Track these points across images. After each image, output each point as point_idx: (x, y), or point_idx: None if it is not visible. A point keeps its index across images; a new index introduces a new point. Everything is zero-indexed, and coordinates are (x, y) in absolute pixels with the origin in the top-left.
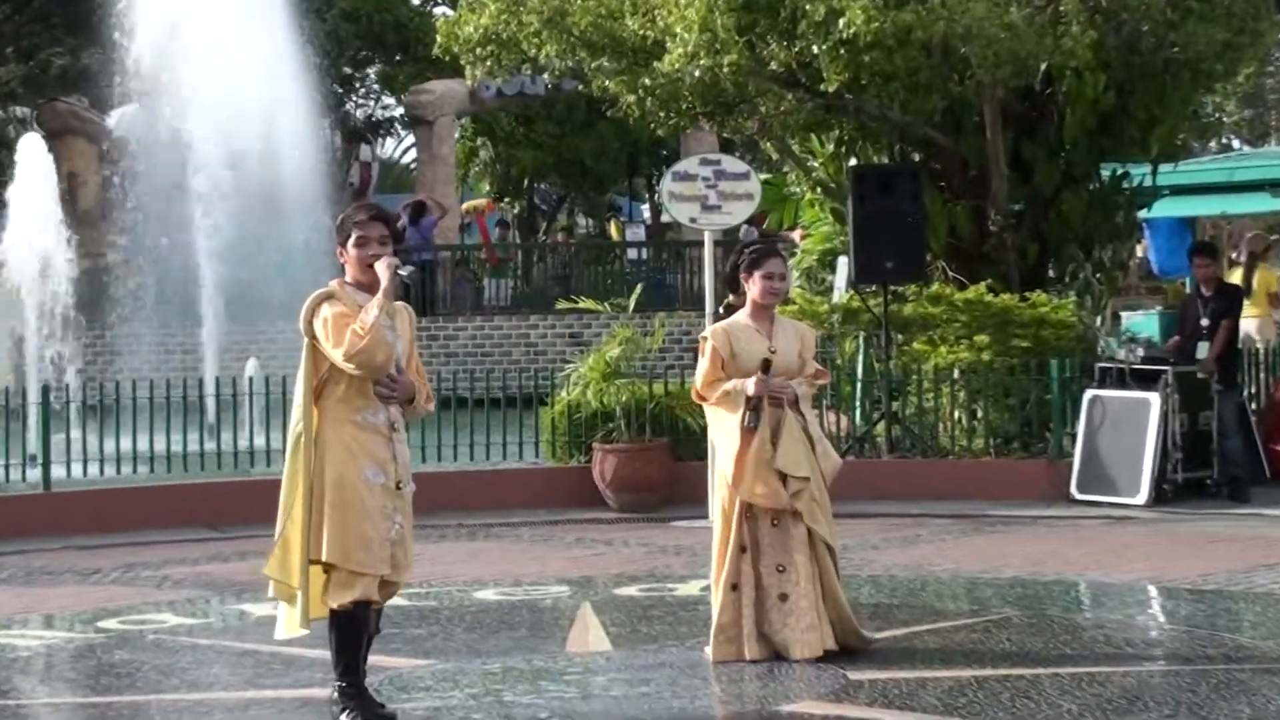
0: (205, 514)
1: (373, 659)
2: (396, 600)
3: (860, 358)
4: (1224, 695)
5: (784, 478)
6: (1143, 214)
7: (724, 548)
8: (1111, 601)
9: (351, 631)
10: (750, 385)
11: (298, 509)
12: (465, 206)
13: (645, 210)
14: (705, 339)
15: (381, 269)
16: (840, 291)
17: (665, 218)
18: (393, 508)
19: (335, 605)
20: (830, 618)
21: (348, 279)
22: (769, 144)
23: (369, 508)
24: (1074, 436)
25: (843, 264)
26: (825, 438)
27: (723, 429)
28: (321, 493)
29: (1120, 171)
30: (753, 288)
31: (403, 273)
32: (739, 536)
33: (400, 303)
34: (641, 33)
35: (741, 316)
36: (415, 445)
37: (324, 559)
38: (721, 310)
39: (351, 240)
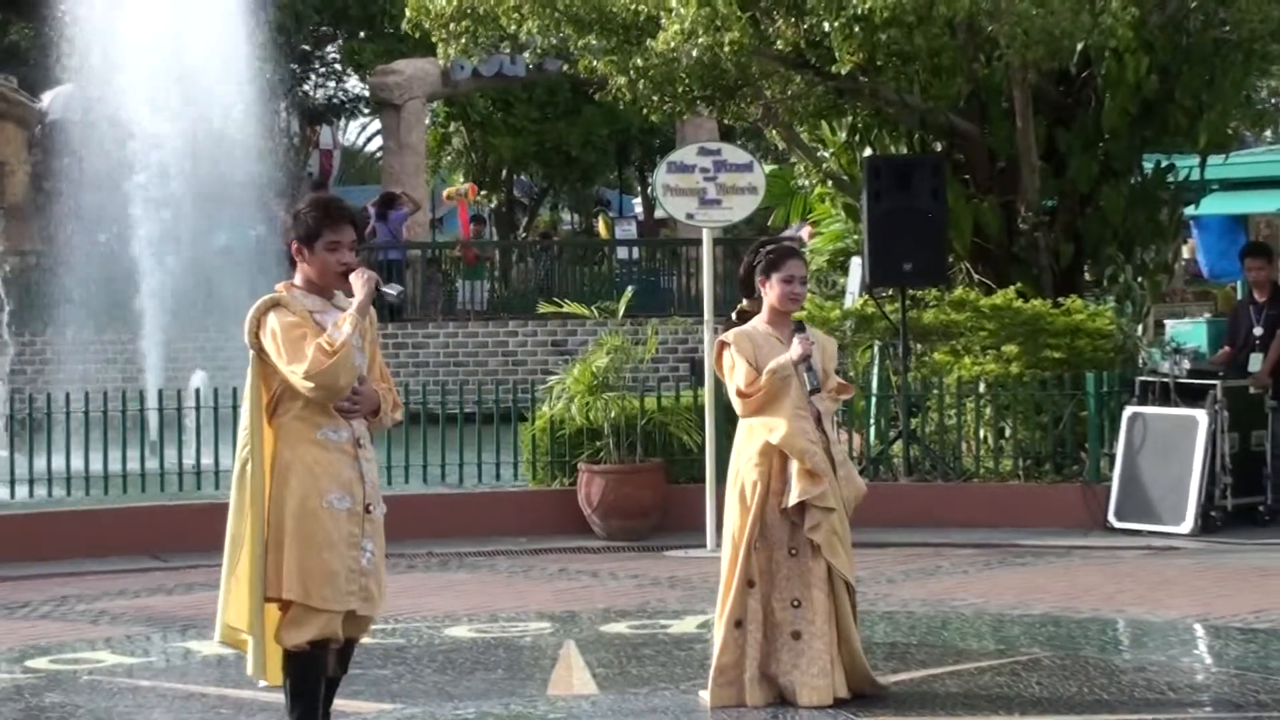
0: (147, 541)
1: (335, 703)
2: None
3: (875, 370)
4: None
5: (803, 506)
6: (1189, 211)
7: (731, 580)
8: (1153, 641)
9: (308, 674)
10: (794, 349)
11: (248, 544)
12: (446, 191)
13: (637, 205)
14: (725, 344)
15: (359, 283)
16: (853, 296)
17: (659, 213)
18: (361, 535)
19: (290, 645)
20: (843, 661)
21: (297, 281)
22: (774, 132)
23: (333, 537)
24: (1112, 458)
25: (856, 265)
26: (849, 460)
27: (778, 425)
28: (281, 522)
29: (1165, 164)
30: (770, 292)
31: (390, 292)
32: (746, 569)
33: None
34: (634, 7)
35: (758, 323)
36: (380, 465)
37: (283, 596)
38: (734, 317)
39: (322, 243)
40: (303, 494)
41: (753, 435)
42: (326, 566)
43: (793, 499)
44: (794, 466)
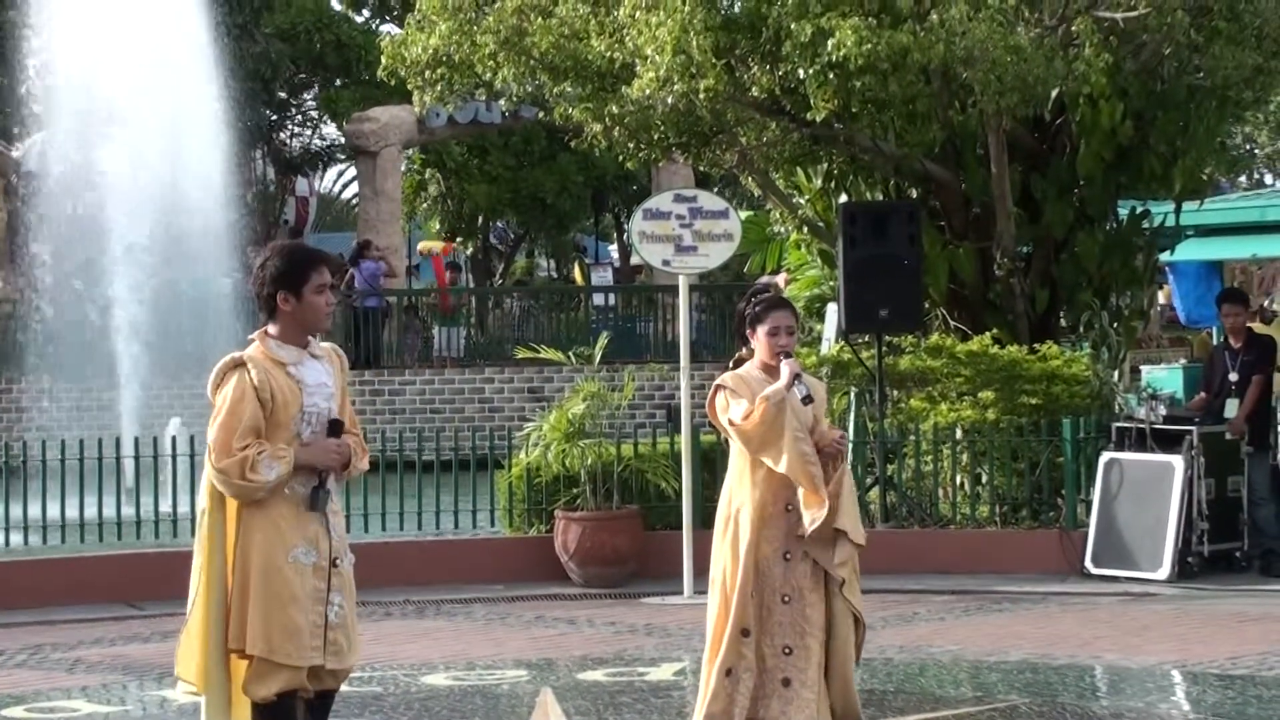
0: (123, 589)
1: None
2: None
3: (851, 416)
4: None
5: (832, 541)
6: (1165, 257)
7: (722, 627)
8: (1131, 687)
9: None
10: (783, 374)
11: (202, 599)
12: (421, 247)
13: (613, 251)
14: (721, 387)
15: (326, 456)
16: (829, 342)
17: (635, 259)
18: (327, 588)
19: (257, 698)
20: (835, 698)
21: (273, 330)
22: (750, 178)
23: (298, 593)
24: (1089, 504)
25: (832, 312)
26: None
27: (781, 454)
28: (245, 577)
29: (1139, 210)
30: (759, 345)
31: (327, 490)
32: (742, 617)
33: (329, 344)
34: (609, 55)
35: (753, 368)
36: (357, 512)
37: (248, 651)
38: (732, 365)
39: (311, 287)
40: (268, 549)
41: (744, 480)
42: (291, 622)
43: (809, 528)
44: (800, 495)
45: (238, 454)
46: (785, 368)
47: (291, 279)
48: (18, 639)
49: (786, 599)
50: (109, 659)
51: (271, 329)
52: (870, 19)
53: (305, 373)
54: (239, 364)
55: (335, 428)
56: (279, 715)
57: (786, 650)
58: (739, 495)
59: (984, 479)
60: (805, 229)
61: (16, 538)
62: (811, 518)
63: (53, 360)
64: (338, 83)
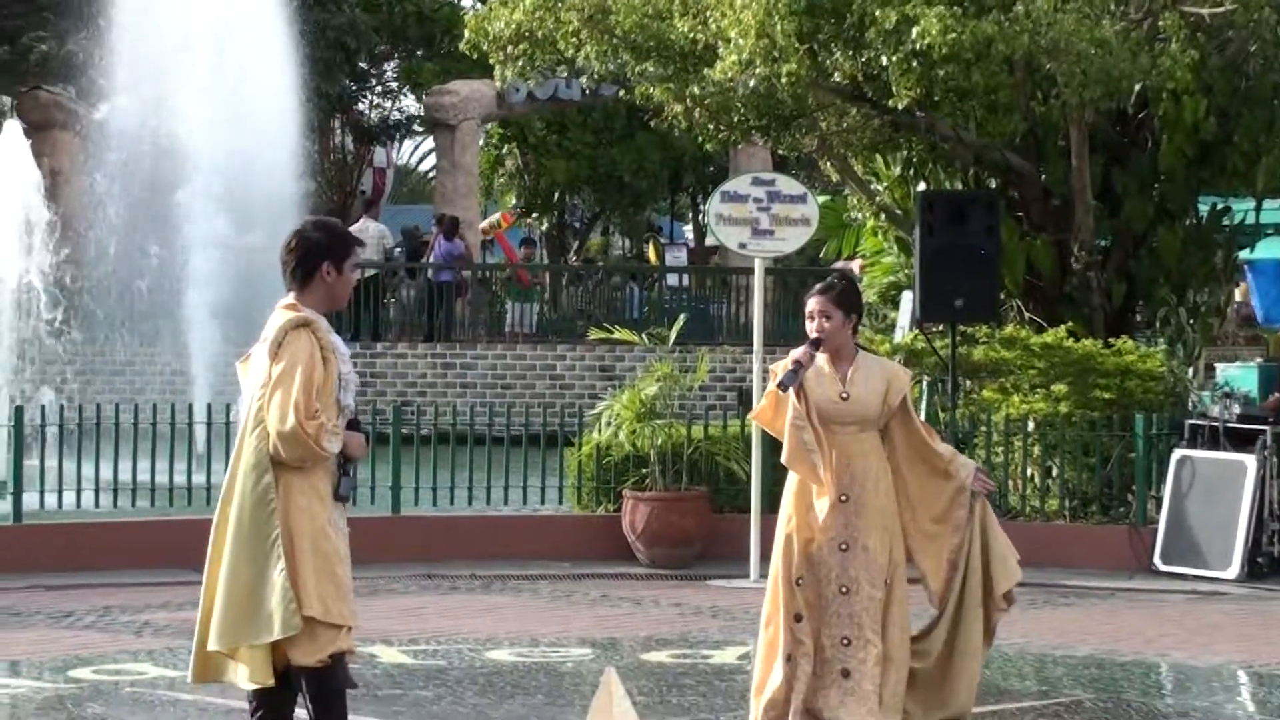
0: (191, 554)
1: None
2: (400, 658)
3: (923, 405)
4: None
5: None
6: (1244, 254)
7: (772, 610)
8: (1197, 687)
9: (337, 686)
10: (791, 358)
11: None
12: (483, 225)
13: (688, 232)
14: (774, 371)
15: (356, 444)
16: (903, 330)
17: (710, 240)
18: (348, 552)
19: (313, 661)
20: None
21: (301, 299)
22: (829, 163)
23: (342, 553)
24: (1159, 501)
25: (907, 300)
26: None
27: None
28: (292, 540)
29: (1220, 206)
30: None
31: (343, 489)
32: (790, 604)
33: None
34: (692, 36)
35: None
36: (425, 486)
37: (304, 612)
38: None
39: (350, 263)
40: (313, 511)
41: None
42: (342, 582)
43: (821, 523)
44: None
45: (319, 418)
46: (786, 360)
47: (338, 252)
48: (86, 600)
49: (844, 590)
50: (175, 623)
51: (293, 298)
52: (955, 8)
53: (336, 341)
54: (306, 323)
55: (355, 425)
56: (337, 676)
57: (845, 641)
58: (790, 479)
59: (1054, 472)
60: (883, 216)
61: (88, 500)
62: (820, 512)
63: (125, 326)
64: (419, 54)
